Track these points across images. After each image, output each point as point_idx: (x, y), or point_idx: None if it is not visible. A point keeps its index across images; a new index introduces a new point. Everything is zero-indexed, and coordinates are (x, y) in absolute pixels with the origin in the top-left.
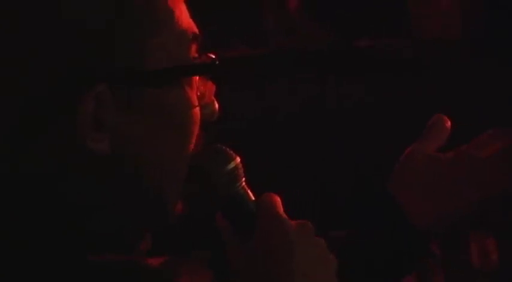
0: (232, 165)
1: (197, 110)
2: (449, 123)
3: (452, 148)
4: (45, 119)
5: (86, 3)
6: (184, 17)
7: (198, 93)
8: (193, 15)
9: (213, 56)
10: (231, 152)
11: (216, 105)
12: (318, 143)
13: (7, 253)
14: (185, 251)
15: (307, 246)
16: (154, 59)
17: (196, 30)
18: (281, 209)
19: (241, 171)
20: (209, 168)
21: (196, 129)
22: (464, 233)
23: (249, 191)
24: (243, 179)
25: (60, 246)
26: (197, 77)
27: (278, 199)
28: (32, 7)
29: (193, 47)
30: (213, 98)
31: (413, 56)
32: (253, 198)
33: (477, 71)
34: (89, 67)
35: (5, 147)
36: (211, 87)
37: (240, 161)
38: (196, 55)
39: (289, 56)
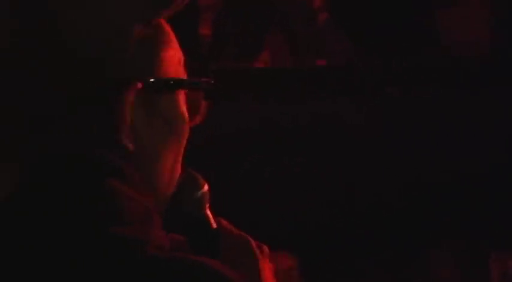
0: (201, 192)
1: (187, 126)
2: None
3: None
4: (94, 108)
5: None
6: (176, 45)
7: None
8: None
9: (206, 78)
10: (202, 178)
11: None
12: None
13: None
14: None
15: (265, 261)
16: (163, 71)
17: (183, 56)
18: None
19: (207, 197)
20: (182, 192)
21: (184, 144)
22: (485, 251)
23: (211, 217)
24: (208, 205)
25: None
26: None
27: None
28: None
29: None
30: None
31: (444, 73)
32: (214, 223)
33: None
34: (125, 75)
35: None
36: (203, 111)
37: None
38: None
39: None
